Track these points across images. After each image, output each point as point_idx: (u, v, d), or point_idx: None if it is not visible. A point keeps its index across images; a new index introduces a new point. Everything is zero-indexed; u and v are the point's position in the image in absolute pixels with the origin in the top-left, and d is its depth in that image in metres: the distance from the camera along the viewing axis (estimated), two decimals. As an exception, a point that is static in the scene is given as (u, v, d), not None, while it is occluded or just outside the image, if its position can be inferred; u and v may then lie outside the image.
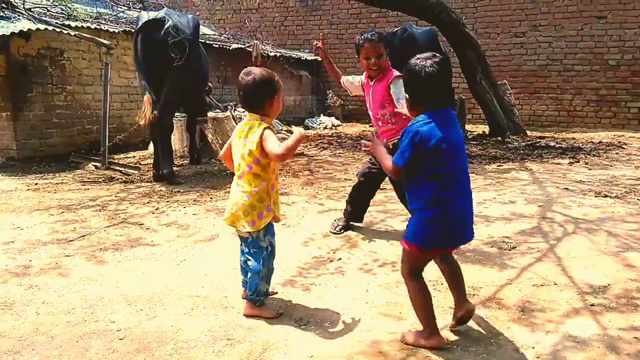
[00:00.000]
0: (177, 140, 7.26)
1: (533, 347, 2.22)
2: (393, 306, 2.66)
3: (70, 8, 8.61)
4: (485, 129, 9.73)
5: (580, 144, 8.48)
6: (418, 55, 2.19)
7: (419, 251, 2.22)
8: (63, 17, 8.09)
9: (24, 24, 6.64)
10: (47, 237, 3.78)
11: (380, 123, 3.59)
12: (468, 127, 10.27)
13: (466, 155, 2.29)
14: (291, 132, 10.55)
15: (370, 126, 11.91)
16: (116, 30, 8.16)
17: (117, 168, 6.52)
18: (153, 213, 4.44)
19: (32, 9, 7.63)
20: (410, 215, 2.33)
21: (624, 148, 8.15)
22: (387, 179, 3.76)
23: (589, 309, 2.57)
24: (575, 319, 2.47)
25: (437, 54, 2.19)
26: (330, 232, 3.86)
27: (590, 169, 6.33)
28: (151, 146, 6.89)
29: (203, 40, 8.58)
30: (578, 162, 6.85)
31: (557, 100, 11.39)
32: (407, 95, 2.22)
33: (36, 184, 5.65)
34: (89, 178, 6.04)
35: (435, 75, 2.12)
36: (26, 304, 2.69)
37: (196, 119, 6.95)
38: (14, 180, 5.81)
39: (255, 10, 13.96)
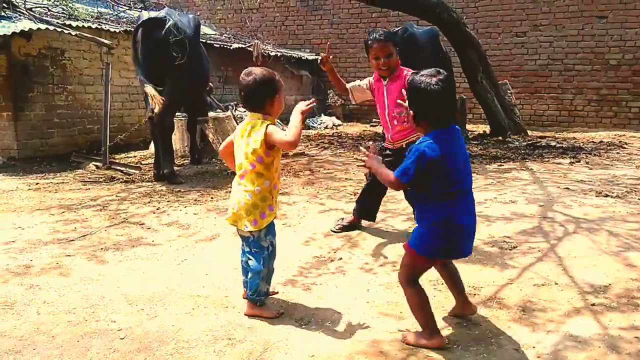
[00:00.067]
0: (178, 140, 7.27)
1: (534, 347, 2.22)
2: (394, 306, 2.66)
3: (71, 8, 8.61)
4: (486, 128, 9.73)
5: (581, 144, 8.47)
6: (422, 72, 2.21)
7: (422, 260, 2.27)
8: (64, 16, 8.10)
9: (25, 24, 6.65)
10: (48, 237, 3.78)
11: (395, 122, 3.55)
12: (469, 126, 10.27)
13: (471, 171, 2.31)
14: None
15: (371, 126, 11.91)
16: (117, 30, 8.16)
17: (118, 168, 6.52)
18: (154, 213, 4.44)
19: (33, 9, 7.64)
20: (412, 217, 2.34)
21: (624, 148, 8.14)
22: None
23: (590, 308, 2.57)
24: (576, 319, 2.47)
25: (442, 71, 2.20)
26: (331, 230, 3.86)
27: (591, 169, 6.32)
28: (152, 146, 6.89)
29: (204, 40, 8.59)
30: (579, 161, 6.84)
31: (558, 99, 11.38)
32: (411, 112, 2.23)
33: (37, 183, 5.66)
34: (89, 178, 6.05)
35: (440, 93, 2.14)
36: (27, 303, 2.70)
37: (197, 119, 6.95)
38: (15, 180, 5.82)
39: (256, 10, 13.97)
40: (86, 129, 7.88)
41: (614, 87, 10.85)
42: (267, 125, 2.44)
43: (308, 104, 2.49)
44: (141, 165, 6.77)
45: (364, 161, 2.35)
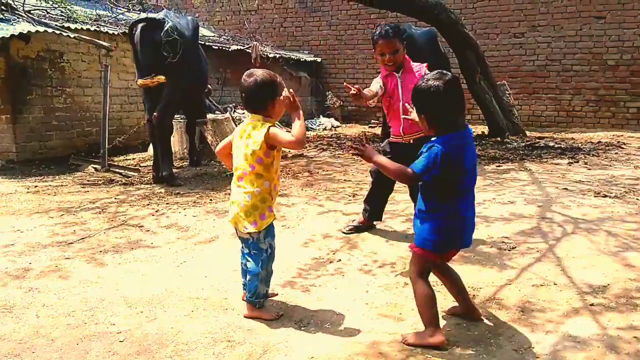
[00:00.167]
0: (177, 142, 7.27)
1: (533, 347, 2.22)
2: (393, 307, 2.66)
3: (69, 10, 8.61)
4: (485, 129, 9.73)
5: (580, 144, 8.48)
6: (427, 77, 2.25)
7: (432, 256, 2.32)
8: (62, 19, 8.10)
9: (23, 27, 6.65)
10: (47, 240, 3.78)
11: (409, 114, 3.53)
12: (467, 127, 10.26)
13: (477, 170, 2.37)
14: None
15: (370, 127, 11.92)
16: (116, 32, 8.16)
17: (117, 170, 6.52)
18: (153, 215, 4.44)
19: (31, 12, 7.64)
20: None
21: (623, 148, 8.15)
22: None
23: (589, 308, 2.57)
24: (574, 319, 2.47)
25: (446, 73, 2.24)
26: (342, 232, 3.86)
27: (589, 169, 6.33)
28: (151, 148, 6.89)
29: (202, 42, 8.59)
30: (577, 162, 6.85)
31: (556, 100, 11.39)
32: (423, 116, 2.27)
33: (36, 186, 5.65)
34: (88, 180, 6.04)
35: (448, 95, 2.19)
36: (26, 306, 2.69)
37: (196, 121, 6.95)
38: (14, 183, 5.82)
39: (255, 12, 13.98)
40: (85, 132, 7.88)
41: (612, 87, 10.87)
42: (269, 126, 2.44)
43: (285, 96, 2.45)
44: (140, 168, 6.76)
45: (359, 153, 2.30)
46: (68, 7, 8.71)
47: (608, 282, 2.87)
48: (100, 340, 2.34)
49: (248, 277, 2.55)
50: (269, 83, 2.49)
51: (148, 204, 4.81)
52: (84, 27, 7.69)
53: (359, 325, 2.46)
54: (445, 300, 2.66)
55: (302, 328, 2.45)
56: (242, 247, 2.60)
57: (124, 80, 8.46)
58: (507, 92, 9.87)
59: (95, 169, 6.63)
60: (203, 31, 11.35)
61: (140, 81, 5.67)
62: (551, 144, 8.45)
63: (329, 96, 13.11)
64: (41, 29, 6.76)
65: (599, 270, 3.05)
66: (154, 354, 2.23)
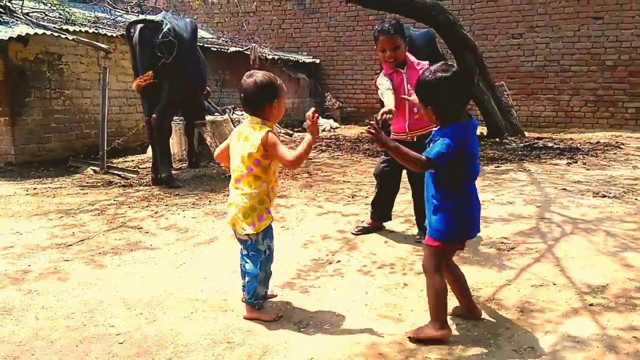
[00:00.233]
0: (176, 144, 7.26)
1: (532, 348, 2.23)
2: (392, 308, 2.67)
3: (68, 12, 8.61)
4: (483, 130, 9.73)
5: (578, 145, 8.49)
6: (432, 67, 2.28)
7: (449, 246, 2.36)
8: (61, 21, 8.10)
9: (22, 29, 6.65)
10: (46, 242, 3.78)
11: (415, 109, 3.44)
12: (466, 128, 10.27)
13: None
14: (290, 135, 10.58)
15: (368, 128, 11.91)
16: (114, 35, 8.16)
17: (116, 172, 6.52)
18: (152, 217, 4.44)
19: (30, 14, 7.64)
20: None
21: (621, 148, 8.16)
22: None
23: (588, 309, 2.57)
24: (574, 319, 2.48)
25: (452, 64, 2.26)
26: (351, 233, 3.86)
27: (588, 169, 6.34)
28: (150, 150, 6.89)
29: (201, 44, 8.60)
30: (576, 162, 6.86)
31: (554, 101, 11.40)
32: (429, 107, 2.29)
33: (35, 188, 5.65)
34: (87, 182, 6.04)
35: (454, 85, 2.23)
36: (25, 309, 2.69)
37: (195, 123, 6.95)
38: (13, 185, 5.81)
39: (253, 14, 13.98)
40: (84, 134, 7.88)
41: (610, 87, 10.88)
42: (268, 131, 2.44)
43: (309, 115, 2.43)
44: (139, 170, 6.76)
45: (372, 135, 2.22)
46: (66, 9, 8.71)
47: (607, 282, 2.87)
48: (100, 342, 2.34)
49: (247, 278, 2.55)
50: (268, 85, 2.49)
51: (147, 206, 4.81)
52: (83, 30, 7.69)
53: (358, 326, 2.47)
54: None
55: (302, 329, 2.45)
56: (241, 249, 2.60)
57: (122, 82, 8.46)
58: (505, 92, 9.88)
59: (94, 170, 6.62)
60: (201, 33, 11.35)
61: (134, 84, 5.70)
62: (550, 144, 8.46)
63: (328, 97, 13.12)
64: (40, 31, 6.76)
65: (598, 270, 3.05)
66: (154, 355, 2.23)
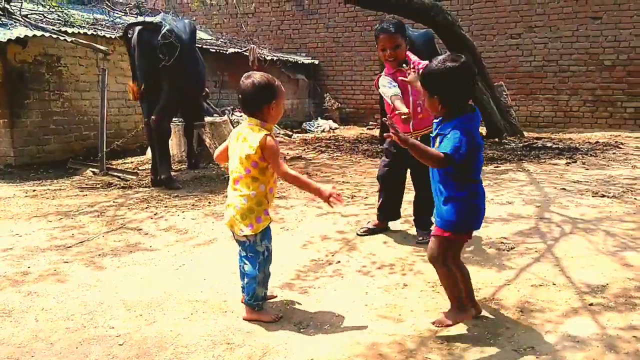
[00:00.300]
0: (175, 145, 7.26)
1: (532, 347, 2.23)
2: (392, 308, 2.66)
3: (66, 14, 8.61)
4: (482, 130, 9.75)
5: (577, 145, 8.50)
6: (440, 57, 2.31)
7: (459, 237, 2.41)
8: (60, 23, 8.10)
9: (20, 31, 6.65)
10: (46, 244, 3.77)
11: (419, 109, 3.47)
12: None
13: None
14: (289, 136, 10.58)
15: (368, 129, 11.93)
16: (113, 36, 8.16)
17: (115, 174, 6.51)
18: (151, 218, 4.44)
19: (28, 16, 7.64)
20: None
21: (620, 148, 8.17)
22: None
23: (588, 308, 2.58)
24: (574, 319, 2.48)
25: (460, 55, 2.29)
26: (357, 234, 3.86)
27: (587, 169, 6.35)
28: (149, 151, 6.89)
29: (200, 45, 8.60)
30: (575, 162, 6.87)
31: (553, 101, 11.41)
32: (436, 97, 2.31)
33: (34, 190, 5.65)
34: (87, 184, 6.04)
35: (463, 75, 2.27)
36: (25, 310, 2.69)
37: (194, 124, 6.95)
38: (12, 187, 5.81)
39: (252, 15, 13.99)
40: (83, 135, 7.88)
41: (609, 87, 10.89)
42: (266, 135, 2.44)
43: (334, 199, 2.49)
44: (138, 171, 6.76)
45: (398, 137, 2.22)
46: (65, 11, 8.71)
47: (607, 282, 2.88)
48: (100, 344, 2.34)
49: (246, 279, 2.55)
50: (266, 86, 2.49)
51: (146, 207, 4.81)
52: (81, 31, 7.69)
53: (358, 327, 2.46)
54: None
55: (302, 330, 2.45)
56: (240, 250, 2.60)
57: (121, 84, 8.45)
58: (504, 93, 9.88)
59: (94, 172, 6.62)
60: (200, 34, 11.37)
61: (130, 92, 5.74)
62: (549, 144, 8.47)
63: (327, 98, 13.13)
64: (38, 33, 6.76)
65: (597, 270, 3.06)
66: (154, 357, 2.23)
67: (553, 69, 11.31)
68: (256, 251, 2.51)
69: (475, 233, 2.58)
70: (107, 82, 6.86)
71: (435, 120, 2.42)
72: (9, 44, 6.54)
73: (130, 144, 8.13)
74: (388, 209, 3.88)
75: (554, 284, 2.88)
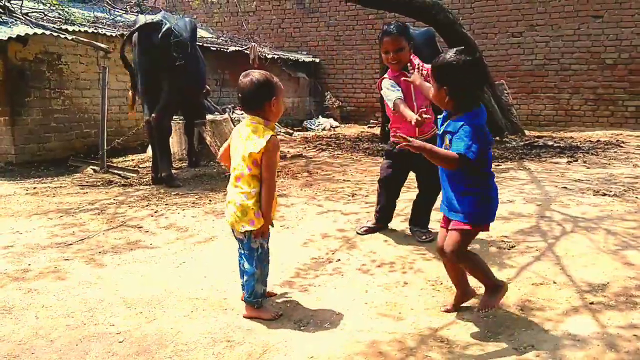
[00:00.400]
0: (176, 143, 7.26)
1: (533, 346, 2.22)
2: (392, 306, 2.66)
3: (67, 12, 8.61)
4: (484, 129, 9.73)
5: (578, 143, 8.49)
6: (452, 51, 2.32)
7: (477, 229, 2.44)
8: (60, 21, 8.10)
9: (21, 29, 6.64)
10: (46, 241, 3.77)
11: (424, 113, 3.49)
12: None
13: None
14: (289, 134, 10.58)
15: (369, 127, 11.92)
16: (113, 34, 8.16)
17: (116, 171, 6.51)
18: (152, 216, 4.44)
19: (29, 14, 7.64)
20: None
21: (622, 146, 8.16)
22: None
23: (588, 307, 2.57)
24: (574, 318, 2.47)
25: (474, 50, 2.31)
26: (357, 232, 3.86)
27: (588, 168, 6.34)
28: (149, 149, 6.89)
29: (200, 43, 8.59)
30: (576, 161, 6.86)
31: (554, 99, 11.40)
32: (445, 88, 2.32)
33: (35, 188, 5.65)
34: (87, 182, 6.04)
35: (475, 68, 2.32)
36: (25, 307, 2.69)
37: (194, 122, 6.96)
38: (13, 185, 5.81)
39: (253, 13, 13.98)
40: (83, 133, 7.88)
41: (611, 86, 10.88)
42: (273, 136, 2.45)
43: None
44: (139, 169, 6.76)
45: (410, 146, 2.28)
46: (65, 9, 8.70)
47: (607, 281, 2.87)
48: (100, 341, 2.34)
49: (245, 277, 2.56)
50: (265, 83, 2.49)
51: (147, 205, 4.81)
52: (82, 29, 7.69)
53: (358, 325, 2.46)
54: (445, 300, 2.66)
55: (302, 328, 2.45)
56: (239, 248, 2.60)
57: (122, 82, 8.44)
58: (505, 91, 9.87)
59: (94, 170, 6.62)
60: (201, 32, 11.35)
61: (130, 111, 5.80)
62: (550, 143, 8.46)
63: (328, 96, 13.12)
64: (39, 31, 6.76)
65: (598, 268, 3.05)
66: (154, 354, 2.23)
67: (554, 68, 11.30)
68: (251, 248, 2.52)
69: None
70: (108, 80, 6.86)
71: (439, 116, 2.42)
72: (10, 42, 6.54)
73: (131, 141, 8.13)
74: (387, 212, 3.88)
75: (555, 283, 2.87)
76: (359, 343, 2.29)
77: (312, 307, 2.67)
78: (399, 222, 4.09)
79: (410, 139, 2.30)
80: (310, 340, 2.33)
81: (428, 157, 2.31)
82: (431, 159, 2.31)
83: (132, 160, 7.65)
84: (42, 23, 7.41)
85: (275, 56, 12.00)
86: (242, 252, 2.56)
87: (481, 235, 3.63)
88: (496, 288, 2.46)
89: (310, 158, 7.62)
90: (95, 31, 7.92)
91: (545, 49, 11.31)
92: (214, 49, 10.51)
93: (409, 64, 3.48)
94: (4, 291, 2.89)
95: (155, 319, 2.56)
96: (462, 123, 2.27)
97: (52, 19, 8.14)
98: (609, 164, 6.56)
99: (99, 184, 5.90)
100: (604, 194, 4.82)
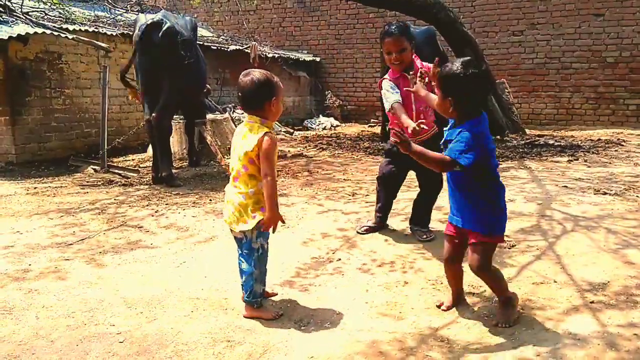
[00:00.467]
0: (176, 143, 7.26)
1: (533, 345, 2.22)
2: (393, 306, 2.66)
3: (67, 11, 8.61)
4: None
5: (579, 142, 8.48)
6: (458, 62, 2.32)
7: (497, 240, 2.44)
8: (61, 20, 8.09)
9: (21, 28, 6.64)
10: (47, 241, 3.78)
11: (422, 117, 3.44)
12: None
13: None
14: (290, 133, 10.58)
15: (369, 127, 11.92)
16: (114, 33, 8.16)
17: (116, 171, 6.52)
18: (152, 215, 4.44)
19: (29, 13, 7.63)
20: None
21: (622, 145, 8.15)
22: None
23: (589, 306, 2.57)
24: (574, 317, 2.47)
25: (479, 60, 2.31)
26: (357, 232, 3.85)
27: (589, 167, 6.33)
28: (150, 149, 6.89)
29: (201, 42, 8.58)
30: (577, 159, 6.85)
31: (555, 98, 11.39)
32: (450, 98, 2.32)
33: (35, 188, 5.65)
34: (88, 181, 6.04)
35: (480, 80, 2.32)
36: (26, 308, 2.69)
37: (195, 121, 6.95)
38: (13, 185, 5.81)
39: (253, 12, 13.97)
40: (84, 133, 7.88)
41: (612, 84, 10.86)
42: (266, 133, 2.44)
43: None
44: (139, 169, 6.76)
45: (400, 140, 2.29)
46: (66, 8, 8.71)
47: (608, 280, 2.87)
48: (100, 341, 2.34)
49: (243, 277, 2.56)
50: (265, 83, 2.48)
51: (147, 205, 4.81)
52: (82, 28, 7.68)
53: (358, 325, 2.46)
54: (445, 299, 2.66)
55: (302, 327, 2.45)
56: (238, 248, 2.60)
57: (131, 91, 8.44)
58: (506, 90, 9.86)
59: (95, 170, 6.62)
60: (202, 31, 11.35)
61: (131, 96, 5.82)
62: (551, 141, 8.45)
63: (328, 95, 13.11)
64: (39, 30, 6.75)
65: (598, 267, 3.05)
66: (154, 354, 2.23)
67: (555, 66, 11.28)
68: (251, 248, 2.51)
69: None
70: (109, 79, 6.85)
71: (445, 129, 2.44)
72: (10, 41, 6.54)
73: (132, 141, 8.13)
74: (386, 211, 3.88)
75: (555, 282, 2.87)
76: (359, 343, 2.29)
77: (313, 306, 2.67)
78: (399, 221, 4.09)
79: (404, 137, 2.31)
80: (310, 340, 2.33)
81: (417, 159, 2.33)
82: (420, 160, 2.33)
83: (133, 159, 7.66)
84: (43, 22, 7.40)
85: (276, 55, 12.00)
86: (241, 252, 2.55)
87: (482, 234, 3.64)
88: (509, 300, 2.47)
89: (311, 157, 7.62)
90: (96, 30, 7.91)
91: (546, 47, 11.30)
92: (215, 48, 10.51)
93: (417, 69, 3.48)
94: (5, 291, 2.89)
95: (156, 319, 2.56)
96: (461, 129, 2.29)
97: (52, 18, 8.14)
98: (610, 163, 6.56)
99: (99, 183, 5.90)
100: (605, 193, 4.81)
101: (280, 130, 10.58)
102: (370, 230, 3.85)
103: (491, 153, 2.36)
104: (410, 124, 3.12)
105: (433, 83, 2.90)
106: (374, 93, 12.32)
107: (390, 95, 3.43)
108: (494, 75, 9.84)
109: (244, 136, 2.48)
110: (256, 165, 2.45)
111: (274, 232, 2.52)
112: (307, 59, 13.00)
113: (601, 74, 10.91)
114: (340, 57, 13.31)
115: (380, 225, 3.89)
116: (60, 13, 8.50)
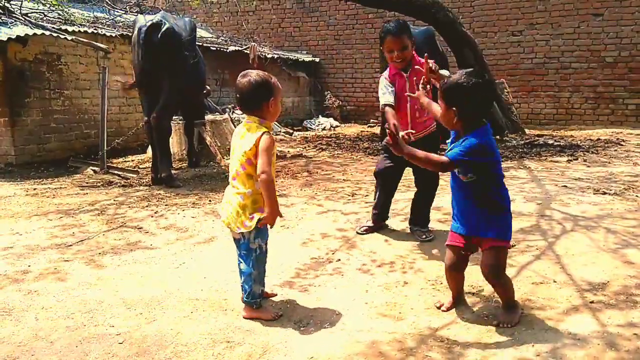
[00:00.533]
0: (176, 144, 7.26)
1: (533, 345, 2.22)
2: (392, 306, 2.66)
3: (67, 13, 8.61)
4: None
5: (579, 142, 8.48)
6: (464, 73, 2.33)
7: (508, 245, 2.46)
8: (60, 22, 8.10)
9: (20, 29, 6.64)
10: (46, 242, 3.77)
11: (417, 114, 3.47)
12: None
13: None
14: (289, 134, 10.58)
15: (369, 127, 11.92)
16: (113, 35, 8.16)
17: (116, 172, 6.51)
18: (152, 216, 4.44)
19: (28, 14, 7.63)
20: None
21: (622, 145, 8.16)
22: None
23: (588, 306, 2.57)
24: (574, 317, 2.47)
25: (485, 72, 2.35)
26: (357, 232, 3.85)
27: (588, 166, 6.33)
28: (149, 150, 6.89)
29: (200, 43, 8.58)
30: (576, 159, 6.85)
31: (554, 98, 11.39)
32: (454, 109, 2.33)
33: (35, 189, 5.65)
34: (87, 182, 6.04)
35: (485, 91, 2.34)
36: (25, 309, 2.69)
37: (194, 122, 6.96)
38: (13, 186, 5.81)
39: (252, 13, 13.97)
40: (83, 134, 7.88)
41: (611, 84, 10.86)
42: (264, 132, 2.44)
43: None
44: (139, 169, 6.76)
45: (392, 143, 2.31)
46: (65, 9, 8.71)
47: (607, 279, 2.87)
48: (100, 342, 2.34)
49: (242, 278, 2.56)
50: (263, 84, 2.48)
51: (147, 206, 4.81)
52: (82, 30, 7.69)
53: (358, 325, 2.46)
54: (445, 299, 2.65)
55: (302, 328, 2.45)
56: (237, 248, 2.60)
57: (121, 82, 8.45)
58: (505, 90, 9.86)
59: (94, 171, 6.62)
60: (201, 32, 11.35)
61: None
62: (550, 141, 8.45)
63: (328, 96, 13.11)
64: (38, 31, 6.75)
65: (598, 267, 3.05)
66: (153, 355, 2.23)
67: (554, 66, 11.29)
68: (249, 249, 2.51)
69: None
70: (108, 80, 6.86)
71: (448, 141, 2.45)
72: (9, 42, 6.54)
73: (131, 142, 8.13)
74: (384, 209, 3.88)
75: (555, 282, 2.87)
76: (359, 343, 2.29)
77: (312, 307, 2.67)
78: (399, 221, 4.09)
79: (396, 139, 2.33)
80: (310, 341, 2.33)
81: (408, 159, 2.36)
82: (412, 161, 2.36)
83: (132, 160, 7.65)
84: (42, 23, 7.40)
85: (275, 56, 12.00)
86: (239, 252, 2.55)
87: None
88: (515, 304, 2.49)
89: (310, 158, 7.62)
90: (95, 31, 7.92)
91: (545, 47, 11.30)
92: (214, 48, 10.51)
93: (421, 75, 3.49)
94: (4, 293, 2.89)
95: (155, 319, 2.55)
96: (466, 138, 2.30)
97: (51, 19, 8.14)
98: (609, 163, 6.56)
99: (99, 184, 5.90)
100: (604, 193, 4.81)
101: (280, 131, 10.58)
102: (369, 230, 3.85)
103: (498, 164, 2.38)
104: (394, 129, 3.14)
105: (433, 80, 2.90)
106: (373, 93, 12.32)
107: (382, 97, 3.45)
108: (494, 76, 9.84)
109: (243, 136, 2.49)
110: (254, 165, 2.45)
111: (271, 227, 2.51)
112: (307, 59, 13.00)
113: (600, 73, 10.91)
114: (340, 58, 13.31)
115: (378, 225, 3.89)
116: (59, 14, 8.50)
